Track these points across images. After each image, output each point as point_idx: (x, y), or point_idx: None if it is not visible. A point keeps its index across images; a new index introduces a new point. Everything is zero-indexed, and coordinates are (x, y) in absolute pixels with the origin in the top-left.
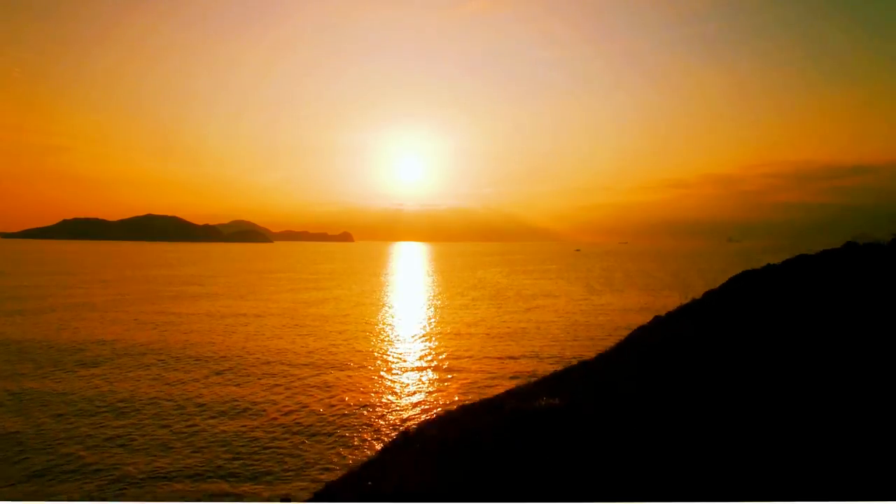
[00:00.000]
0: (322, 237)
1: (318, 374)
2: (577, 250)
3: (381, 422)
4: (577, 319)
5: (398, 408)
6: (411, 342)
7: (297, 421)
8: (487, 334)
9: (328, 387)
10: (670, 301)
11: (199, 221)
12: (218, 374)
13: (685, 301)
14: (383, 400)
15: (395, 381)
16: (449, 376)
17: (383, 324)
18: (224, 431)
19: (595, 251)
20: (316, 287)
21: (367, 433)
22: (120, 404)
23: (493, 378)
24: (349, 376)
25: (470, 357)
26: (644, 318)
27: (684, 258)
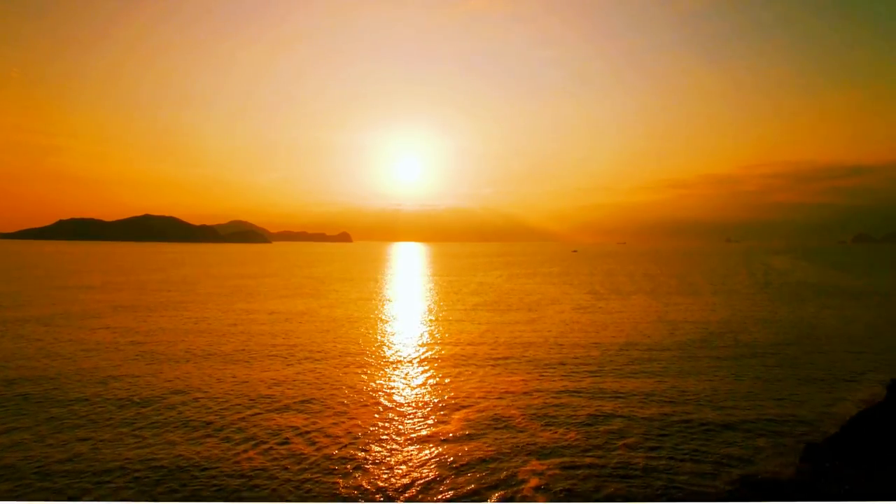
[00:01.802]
0: (320, 237)
1: (300, 410)
2: (574, 251)
3: (377, 466)
4: (586, 330)
5: (396, 444)
6: (409, 358)
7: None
8: (492, 350)
9: (312, 429)
10: (682, 308)
11: (197, 222)
12: (188, 422)
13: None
14: (379, 438)
15: (392, 412)
16: (449, 408)
17: (379, 337)
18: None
19: (594, 252)
20: (311, 293)
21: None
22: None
23: (502, 403)
24: (341, 406)
25: (473, 380)
26: (657, 329)
27: (685, 260)
